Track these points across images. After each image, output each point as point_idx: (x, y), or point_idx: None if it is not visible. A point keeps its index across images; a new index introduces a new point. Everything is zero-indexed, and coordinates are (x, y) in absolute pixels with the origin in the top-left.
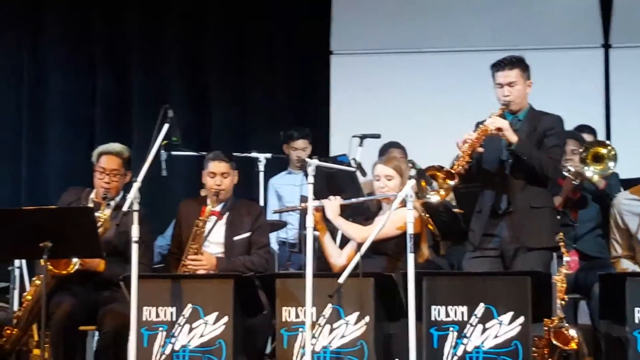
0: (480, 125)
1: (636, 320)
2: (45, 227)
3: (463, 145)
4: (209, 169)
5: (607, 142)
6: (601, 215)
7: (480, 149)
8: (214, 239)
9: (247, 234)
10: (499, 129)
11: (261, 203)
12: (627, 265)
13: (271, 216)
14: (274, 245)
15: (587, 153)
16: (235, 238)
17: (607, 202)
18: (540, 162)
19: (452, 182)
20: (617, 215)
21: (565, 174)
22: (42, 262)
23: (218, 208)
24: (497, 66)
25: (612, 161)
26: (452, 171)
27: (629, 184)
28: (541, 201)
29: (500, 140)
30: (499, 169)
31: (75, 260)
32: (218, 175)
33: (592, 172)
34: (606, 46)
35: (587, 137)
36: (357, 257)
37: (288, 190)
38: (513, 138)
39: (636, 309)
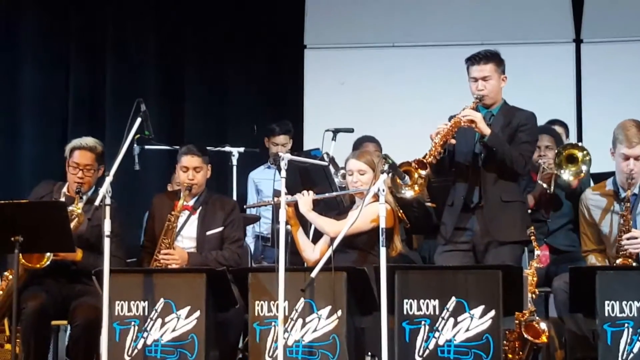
0: (454, 117)
1: (606, 314)
2: (17, 221)
3: (435, 137)
4: (182, 163)
5: (582, 144)
6: (573, 212)
7: (453, 141)
8: (187, 234)
9: (220, 229)
10: (472, 121)
11: (234, 197)
12: (593, 261)
13: (247, 210)
14: (249, 240)
15: (560, 156)
16: (208, 233)
17: (579, 199)
18: (510, 157)
19: (423, 172)
20: (585, 210)
21: (539, 182)
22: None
23: (191, 202)
24: (472, 60)
25: (585, 165)
26: (424, 161)
27: (599, 178)
28: (512, 195)
29: (474, 134)
30: (472, 162)
31: (48, 254)
32: (191, 169)
33: (567, 174)
34: (577, 41)
35: (559, 130)
36: (330, 251)
37: (268, 185)
38: (486, 130)
39: (606, 303)
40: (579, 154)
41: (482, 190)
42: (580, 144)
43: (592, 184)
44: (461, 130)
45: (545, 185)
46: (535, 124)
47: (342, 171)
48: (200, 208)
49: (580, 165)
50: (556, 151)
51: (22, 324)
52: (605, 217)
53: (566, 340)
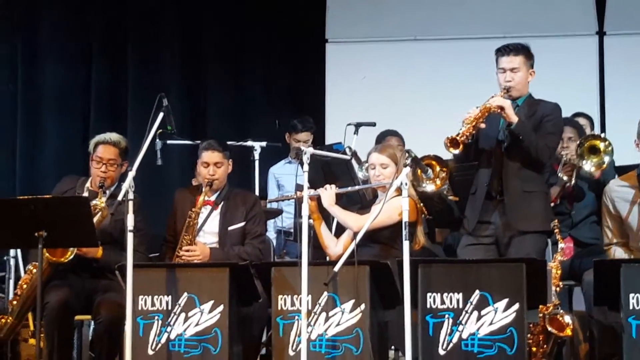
0: (485, 103)
1: (631, 307)
2: (40, 216)
3: (467, 119)
4: (203, 159)
5: (604, 135)
6: (597, 203)
7: (483, 125)
8: (209, 229)
9: (242, 224)
10: (501, 108)
11: (256, 191)
12: (619, 254)
13: (269, 205)
14: (271, 234)
15: (582, 147)
16: (230, 228)
17: (602, 190)
18: (536, 146)
19: (455, 151)
20: (609, 203)
21: (560, 175)
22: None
23: (213, 198)
24: (502, 51)
25: (608, 155)
26: (458, 139)
27: (623, 170)
28: (534, 185)
29: (499, 121)
30: (496, 149)
31: (71, 248)
32: (211, 165)
33: (589, 165)
34: (600, 33)
35: (583, 122)
36: (353, 245)
37: (289, 180)
38: (513, 118)
39: (631, 295)
40: (601, 145)
41: (504, 179)
42: (602, 134)
43: (616, 176)
44: (487, 117)
45: (565, 178)
46: (560, 116)
47: (365, 165)
48: (222, 203)
49: (603, 156)
50: (578, 142)
51: (46, 318)
52: (632, 209)
53: (595, 335)
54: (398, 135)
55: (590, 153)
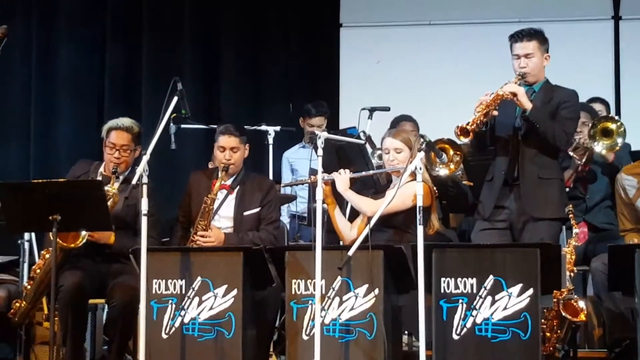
0: (497, 90)
1: None
2: (54, 200)
3: (478, 106)
4: (219, 143)
5: (617, 117)
6: (610, 187)
7: (495, 112)
8: (224, 213)
9: (257, 209)
10: (514, 94)
11: (270, 176)
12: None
13: (283, 189)
14: (285, 219)
15: (595, 128)
16: (245, 213)
17: (616, 174)
18: (553, 132)
19: (466, 139)
20: (620, 190)
21: (571, 153)
22: (51, 235)
23: (229, 182)
24: (515, 37)
25: (620, 137)
26: (467, 127)
27: (638, 155)
28: (550, 172)
29: (515, 108)
30: (512, 136)
31: (83, 233)
32: (227, 149)
33: (601, 147)
34: (616, 18)
35: (599, 107)
36: (367, 230)
37: (302, 164)
38: (527, 104)
39: None
40: (613, 127)
41: (519, 166)
42: (615, 117)
43: (632, 162)
44: (502, 105)
45: (577, 158)
46: (577, 102)
47: (378, 150)
48: (238, 187)
49: (615, 138)
50: (591, 124)
51: (60, 302)
52: None
53: (605, 321)
54: (412, 120)
55: (603, 135)
